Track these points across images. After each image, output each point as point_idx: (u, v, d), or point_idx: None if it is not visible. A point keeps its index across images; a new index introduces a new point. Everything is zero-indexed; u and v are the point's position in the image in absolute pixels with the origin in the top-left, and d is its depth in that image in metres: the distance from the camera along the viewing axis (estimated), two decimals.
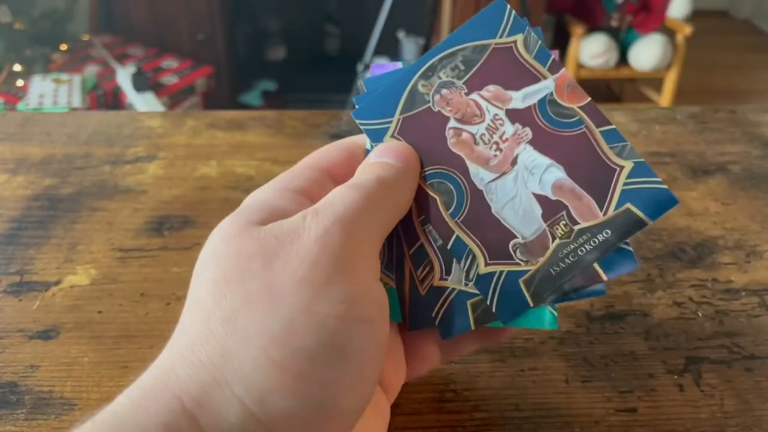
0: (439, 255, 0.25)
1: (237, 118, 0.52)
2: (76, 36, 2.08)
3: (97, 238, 0.39)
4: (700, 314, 0.34)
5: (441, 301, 0.25)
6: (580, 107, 0.24)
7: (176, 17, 2.12)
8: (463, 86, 0.25)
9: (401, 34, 2.25)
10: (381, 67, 0.27)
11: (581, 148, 0.24)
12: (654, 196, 0.23)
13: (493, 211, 0.25)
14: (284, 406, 0.19)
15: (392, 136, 0.25)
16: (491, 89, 0.25)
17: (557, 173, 0.24)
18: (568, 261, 0.24)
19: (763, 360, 0.32)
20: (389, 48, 2.17)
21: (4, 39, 1.82)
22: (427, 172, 0.25)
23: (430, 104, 0.25)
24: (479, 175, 0.25)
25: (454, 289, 0.25)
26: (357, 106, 0.26)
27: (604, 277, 0.24)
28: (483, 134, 0.25)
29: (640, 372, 0.30)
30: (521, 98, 0.25)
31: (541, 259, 0.24)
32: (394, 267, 0.26)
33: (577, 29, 2.17)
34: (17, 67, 1.86)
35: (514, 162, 0.25)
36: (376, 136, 0.26)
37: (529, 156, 0.24)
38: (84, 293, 0.35)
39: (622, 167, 0.24)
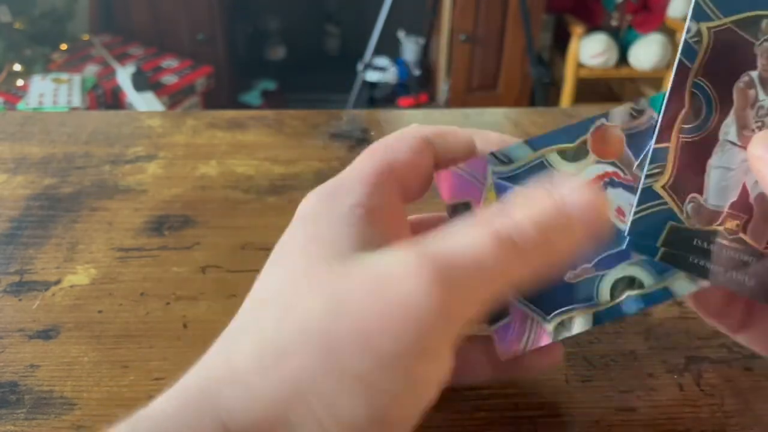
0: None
1: (237, 117, 0.52)
2: (75, 36, 2.08)
3: (97, 238, 0.39)
4: None
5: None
6: None
7: (176, 17, 2.12)
8: None
9: (401, 34, 2.25)
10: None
11: None
12: None
13: (709, 161, 0.24)
14: None
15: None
16: None
17: None
18: (711, 248, 0.24)
19: (763, 359, 0.32)
20: (389, 48, 2.17)
21: (4, 39, 1.82)
22: (700, 79, 0.24)
23: (757, 43, 0.24)
24: (729, 128, 0.24)
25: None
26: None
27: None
28: (763, 107, 0.24)
29: (640, 371, 0.30)
30: None
31: (698, 227, 0.24)
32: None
33: (577, 29, 2.17)
34: (17, 67, 1.86)
35: None
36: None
37: None
38: (84, 293, 0.35)
39: None
